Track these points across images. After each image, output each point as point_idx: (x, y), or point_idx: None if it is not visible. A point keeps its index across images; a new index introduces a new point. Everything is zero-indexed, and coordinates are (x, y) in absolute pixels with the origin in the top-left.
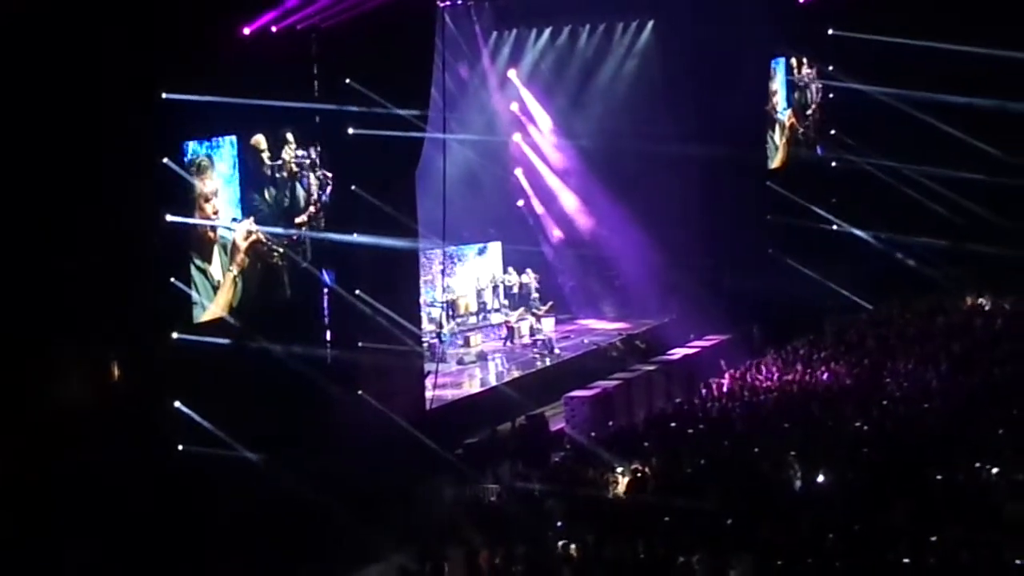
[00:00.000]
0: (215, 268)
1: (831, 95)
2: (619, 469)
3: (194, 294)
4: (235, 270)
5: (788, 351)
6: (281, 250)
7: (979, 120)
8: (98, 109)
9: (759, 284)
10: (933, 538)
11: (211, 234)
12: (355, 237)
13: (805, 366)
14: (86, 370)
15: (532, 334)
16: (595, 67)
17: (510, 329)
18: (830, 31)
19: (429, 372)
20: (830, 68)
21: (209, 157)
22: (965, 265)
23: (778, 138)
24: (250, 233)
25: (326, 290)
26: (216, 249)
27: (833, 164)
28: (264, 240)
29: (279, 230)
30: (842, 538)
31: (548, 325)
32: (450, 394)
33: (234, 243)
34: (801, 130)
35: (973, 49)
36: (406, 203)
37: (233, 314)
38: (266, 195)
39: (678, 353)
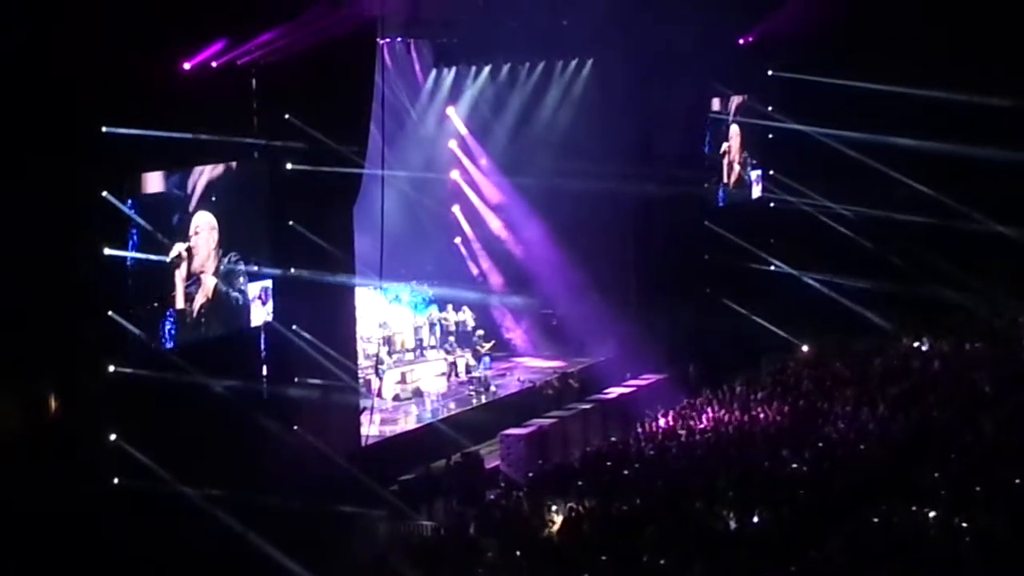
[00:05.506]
0: (156, 300)
1: (770, 135)
2: (554, 508)
3: (132, 328)
4: (175, 303)
5: (724, 391)
6: (219, 284)
7: (918, 161)
8: (38, 142)
9: (696, 323)
10: None
11: (151, 267)
12: (292, 272)
13: (741, 406)
14: (21, 402)
15: (468, 371)
16: (534, 105)
17: (452, 365)
18: (769, 72)
19: (365, 408)
20: (769, 108)
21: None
22: (903, 307)
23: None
24: (190, 268)
25: (263, 325)
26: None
27: (771, 204)
28: (204, 274)
29: (218, 264)
30: None
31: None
32: (386, 430)
33: (174, 277)
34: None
35: (913, 91)
36: (343, 239)
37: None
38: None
39: (614, 392)
